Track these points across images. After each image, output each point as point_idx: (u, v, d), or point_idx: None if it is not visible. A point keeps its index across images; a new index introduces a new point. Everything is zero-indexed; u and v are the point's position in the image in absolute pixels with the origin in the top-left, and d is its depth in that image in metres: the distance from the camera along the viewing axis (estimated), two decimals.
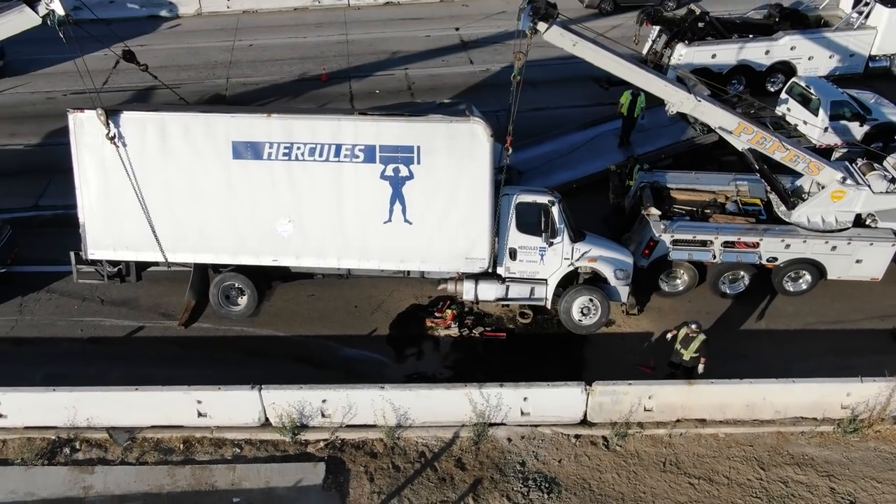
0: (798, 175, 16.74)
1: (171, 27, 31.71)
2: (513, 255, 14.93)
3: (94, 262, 15.30)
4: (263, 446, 13.87)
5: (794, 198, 16.48)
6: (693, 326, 13.92)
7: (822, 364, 15.03)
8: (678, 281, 16.77)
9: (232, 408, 14.04)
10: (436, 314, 16.23)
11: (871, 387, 13.77)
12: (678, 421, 14.22)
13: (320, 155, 14.01)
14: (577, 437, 14.04)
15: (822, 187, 16.09)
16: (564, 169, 19.93)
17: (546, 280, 15.01)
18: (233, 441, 13.93)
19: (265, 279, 15.71)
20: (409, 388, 13.93)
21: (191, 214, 14.62)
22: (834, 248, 15.93)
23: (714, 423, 14.22)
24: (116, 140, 14.05)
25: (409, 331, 16.27)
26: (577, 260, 14.75)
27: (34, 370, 15.12)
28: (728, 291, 16.73)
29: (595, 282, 15.31)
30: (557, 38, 14.01)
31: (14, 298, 16.96)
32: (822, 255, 16.04)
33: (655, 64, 24.43)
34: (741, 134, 15.21)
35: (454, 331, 15.87)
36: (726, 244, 15.97)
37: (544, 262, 14.89)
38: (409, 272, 15.19)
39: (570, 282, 15.22)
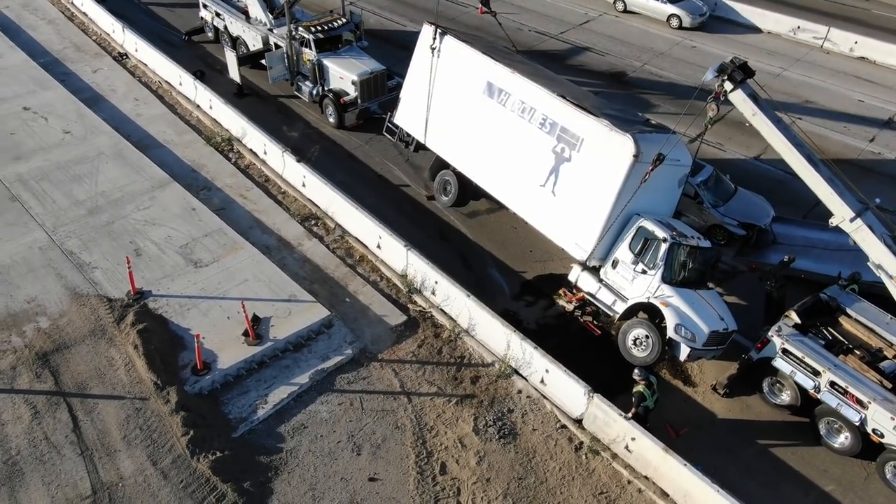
0: None
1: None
2: (615, 264, 16.36)
3: (395, 126, 21.78)
4: (390, 286, 19.01)
5: None
6: (635, 374, 14.86)
7: None
8: (780, 395, 15.67)
9: (393, 253, 19.36)
10: (573, 290, 18.54)
11: None
12: (646, 477, 14.64)
13: (524, 114, 17.52)
14: (563, 426, 15.71)
15: None
16: (808, 258, 18.79)
17: (627, 299, 16.09)
18: (380, 273, 19.40)
19: (471, 190, 20.01)
20: (482, 306, 17.20)
21: (447, 120, 19.75)
22: None
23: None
24: (435, 51, 19.74)
25: (543, 287, 19.03)
26: (655, 297, 15.44)
27: (338, 172, 22.73)
28: (823, 434, 15.05)
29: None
30: (740, 103, 14.56)
31: (371, 134, 24.66)
32: None
33: None
34: None
35: (570, 307, 18.07)
36: (834, 385, 14.42)
37: (633, 284, 15.95)
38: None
39: (656, 317, 15.97)
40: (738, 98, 14.54)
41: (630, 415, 14.54)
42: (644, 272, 15.81)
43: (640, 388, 14.69)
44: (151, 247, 19.44)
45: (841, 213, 13.86)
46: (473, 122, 19.02)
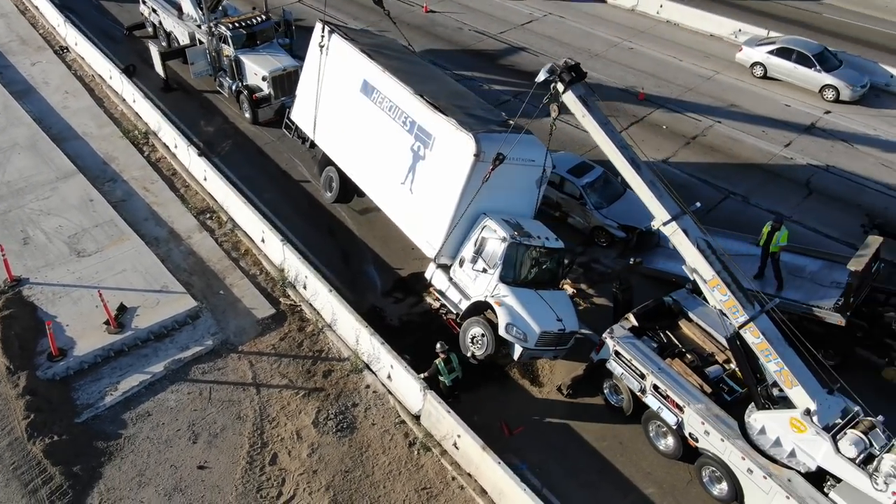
0: None
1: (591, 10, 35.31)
2: (461, 263, 16.44)
3: (293, 122, 22.04)
4: (267, 280, 19.29)
5: (777, 404, 13.47)
6: (437, 347, 15.25)
7: None
8: (618, 397, 15.66)
9: (273, 248, 19.65)
10: None
11: None
12: (469, 474, 14.74)
13: (391, 112, 17.69)
14: (401, 422, 15.88)
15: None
16: (677, 260, 18.71)
17: (470, 297, 16.16)
18: (261, 266, 19.67)
19: (352, 187, 20.00)
20: (341, 300, 17.41)
21: (331, 117, 19.97)
22: (750, 471, 12.98)
23: (490, 501, 14.32)
24: (323, 49, 19.95)
25: (416, 285, 19.11)
26: (492, 296, 15.50)
27: (245, 166, 23.16)
28: (651, 437, 15.05)
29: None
30: (571, 104, 14.56)
31: (279, 131, 24.67)
32: (736, 469, 13.23)
33: None
34: (714, 290, 13.30)
35: (436, 305, 18.15)
36: (656, 388, 14.40)
37: (475, 283, 16.02)
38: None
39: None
40: (570, 99, 14.53)
41: (421, 375, 15.35)
42: (484, 271, 15.89)
43: (437, 361, 15.13)
44: (41, 236, 19.94)
45: (659, 215, 13.83)
46: (352, 119, 19.23)
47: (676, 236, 13.64)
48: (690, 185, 22.77)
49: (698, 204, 14.34)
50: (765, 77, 29.22)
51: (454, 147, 16.03)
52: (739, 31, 31.33)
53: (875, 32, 33.42)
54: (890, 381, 16.18)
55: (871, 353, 16.71)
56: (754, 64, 29.55)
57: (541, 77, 14.75)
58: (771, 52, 29.12)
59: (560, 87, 14.53)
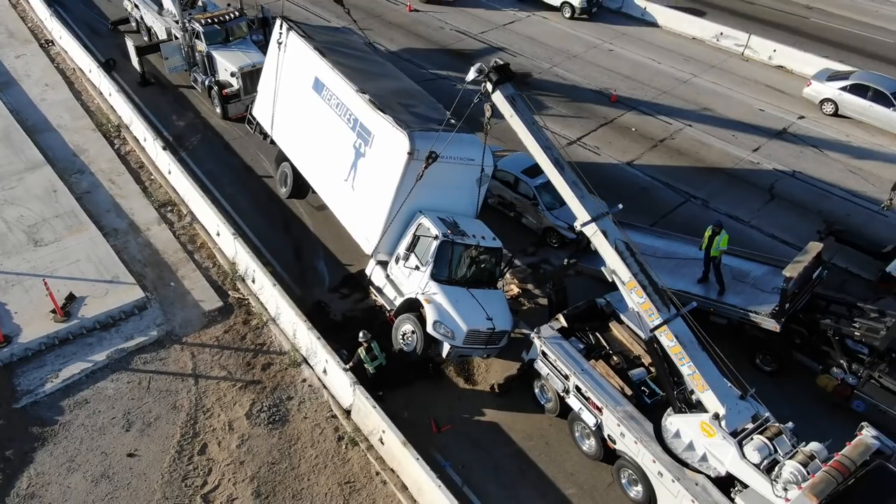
0: None
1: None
2: (397, 260, 16.55)
3: (254, 118, 22.27)
4: (219, 273, 19.51)
5: (695, 408, 13.42)
6: (360, 336, 15.56)
7: None
8: (547, 396, 15.67)
9: (226, 242, 19.88)
10: None
11: None
12: (393, 470, 14.84)
13: (337, 109, 17.86)
14: (333, 416, 16.04)
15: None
16: None
17: (404, 295, 16.25)
18: (214, 259, 19.90)
19: (306, 184, 20.16)
20: (282, 294, 17.58)
21: (286, 113, 20.17)
22: (661, 474, 12.95)
23: (410, 497, 14.41)
24: (281, 46, 20.15)
25: (363, 281, 19.17)
26: (422, 294, 15.58)
27: (210, 161, 23.44)
28: (577, 438, 15.06)
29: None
30: (499, 103, 14.62)
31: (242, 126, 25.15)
32: (649, 472, 13.21)
33: None
34: (631, 291, 13.29)
35: (380, 301, 18.30)
36: (578, 389, 14.40)
37: (409, 280, 16.13)
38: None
39: None
40: (498, 99, 14.59)
41: (347, 366, 15.60)
42: (417, 268, 15.98)
43: (359, 350, 15.46)
44: (1, 225, 20.31)
45: (580, 216, 13.83)
46: (304, 116, 19.44)
47: (596, 238, 13.65)
48: (652, 187, 22.71)
49: (620, 206, 14.33)
50: (836, 115, 26.97)
51: (390, 144, 16.15)
52: (721, 34, 31.14)
53: (863, 38, 33.10)
54: (823, 388, 16.05)
55: (808, 359, 16.63)
56: (824, 100, 27.21)
57: (470, 77, 14.85)
58: (843, 89, 26.75)
59: (489, 86, 14.60)
